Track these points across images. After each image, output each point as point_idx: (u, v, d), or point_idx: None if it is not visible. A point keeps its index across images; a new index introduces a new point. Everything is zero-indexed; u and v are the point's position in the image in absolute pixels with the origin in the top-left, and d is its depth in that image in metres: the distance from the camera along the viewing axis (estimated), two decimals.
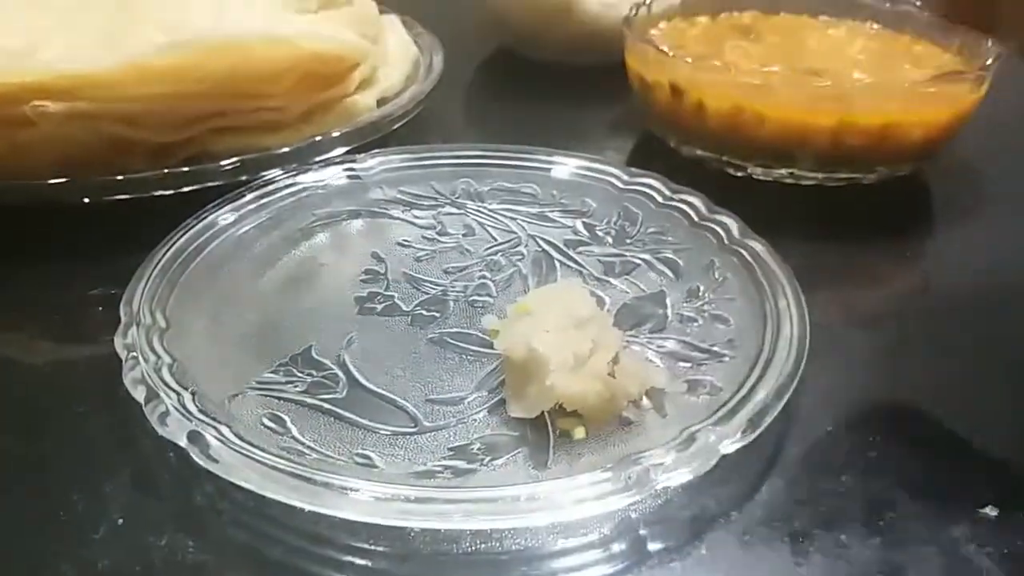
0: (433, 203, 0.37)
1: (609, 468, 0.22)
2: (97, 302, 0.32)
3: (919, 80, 0.36)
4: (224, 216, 0.34)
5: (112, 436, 0.26)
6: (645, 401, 0.26)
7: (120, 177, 0.34)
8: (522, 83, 0.55)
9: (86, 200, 0.34)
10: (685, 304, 0.31)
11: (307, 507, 0.22)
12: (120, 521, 0.23)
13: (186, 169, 0.35)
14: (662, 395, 0.26)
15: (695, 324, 0.30)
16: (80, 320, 0.32)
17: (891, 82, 0.36)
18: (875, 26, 0.48)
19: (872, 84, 0.36)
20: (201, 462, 0.22)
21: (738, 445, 0.23)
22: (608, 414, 0.25)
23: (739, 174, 0.41)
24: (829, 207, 0.39)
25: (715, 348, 0.28)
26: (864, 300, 0.34)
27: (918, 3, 0.47)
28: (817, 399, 0.28)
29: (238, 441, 0.23)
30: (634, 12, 0.45)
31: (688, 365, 0.28)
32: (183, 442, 0.23)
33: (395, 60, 0.47)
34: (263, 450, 0.22)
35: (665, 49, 0.40)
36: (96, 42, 0.37)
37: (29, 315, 0.32)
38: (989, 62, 0.38)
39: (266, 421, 0.25)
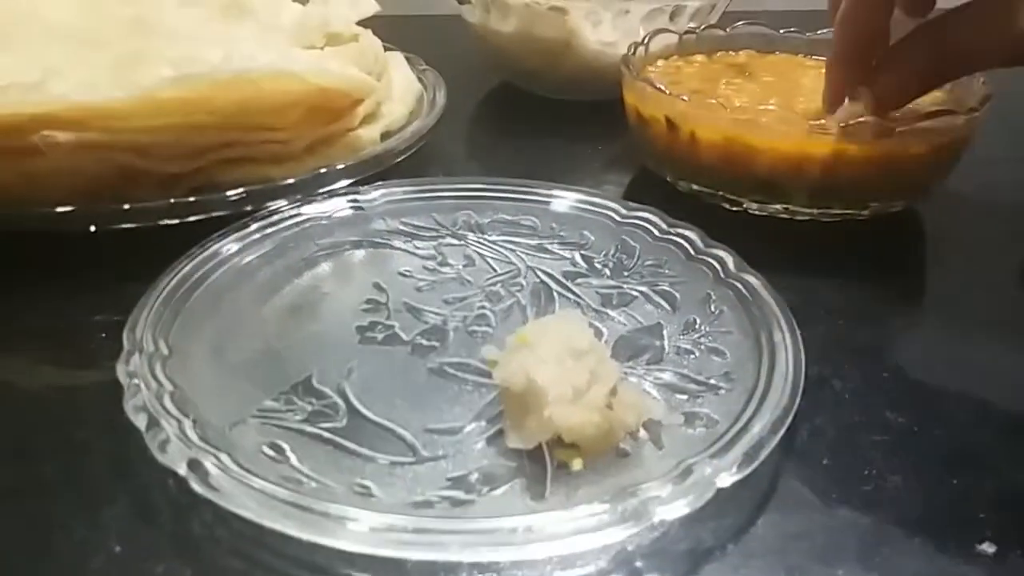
0: (434, 234, 0.38)
1: (606, 500, 0.22)
2: (100, 329, 0.32)
3: (911, 119, 0.37)
4: (228, 245, 0.34)
5: (111, 464, 0.26)
6: (642, 433, 0.26)
7: (126, 206, 0.35)
8: (522, 118, 0.56)
9: (92, 228, 0.35)
10: (682, 336, 0.31)
11: (304, 537, 0.22)
12: (118, 549, 0.23)
13: (192, 199, 0.36)
14: (659, 427, 0.27)
15: (692, 356, 0.30)
16: (82, 347, 0.32)
17: (883, 120, 0.37)
18: None
19: (864, 122, 0.37)
20: (200, 490, 0.23)
21: (734, 478, 0.24)
22: (606, 446, 0.25)
23: (734, 209, 0.41)
24: (824, 242, 0.40)
25: (711, 381, 0.29)
26: (859, 334, 0.34)
27: None
28: (812, 433, 0.28)
29: (237, 469, 0.23)
30: (632, 51, 0.46)
31: (685, 397, 0.28)
32: (183, 470, 0.23)
33: (399, 95, 0.48)
34: (262, 478, 0.23)
35: (661, 86, 0.41)
36: (107, 76, 0.37)
37: (32, 341, 0.33)
38: (979, 100, 0.39)
39: (266, 449, 0.25)
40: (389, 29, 0.51)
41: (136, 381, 0.26)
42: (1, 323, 0.33)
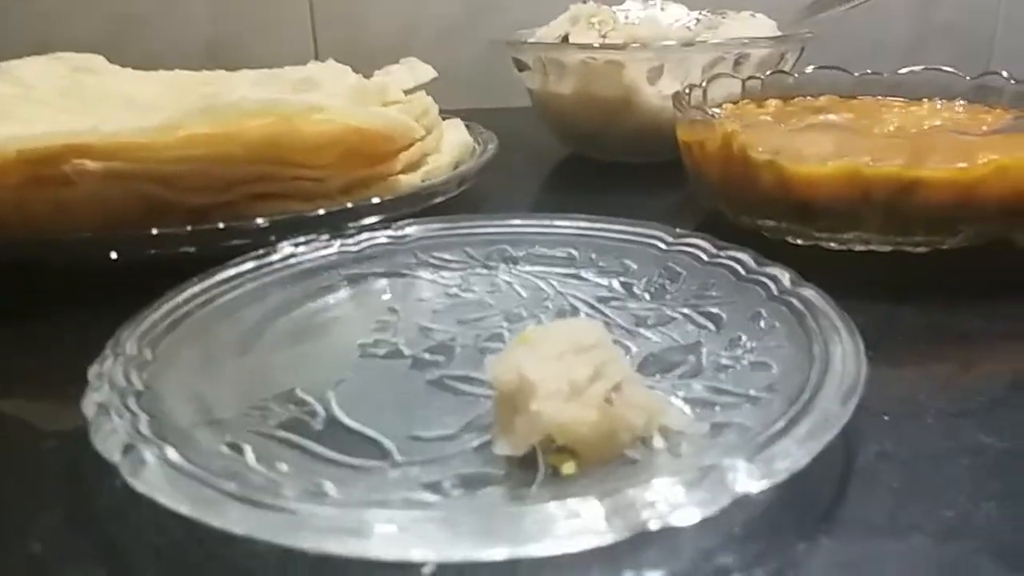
0: (463, 265, 0.35)
1: (594, 498, 0.18)
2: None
3: (999, 125, 0.32)
4: (244, 269, 0.33)
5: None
6: (658, 441, 0.22)
7: (154, 232, 0.34)
8: (580, 179, 0.54)
9: (114, 255, 0.34)
10: (723, 353, 0.27)
11: (217, 523, 0.18)
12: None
13: (214, 227, 0.35)
14: (680, 437, 0.22)
15: (731, 371, 0.26)
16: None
17: (967, 128, 0.32)
18: (962, 103, 0.44)
19: (943, 129, 0.32)
20: (129, 480, 0.20)
21: (762, 484, 0.19)
22: (607, 451, 0.21)
23: (802, 242, 0.37)
24: (907, 275, 0.35)
25: (751, 392, 0.24)
26: (943, 357, 0.29)
27: (1004, 73, 0.43)
28: (881, 455, 0.23)
29: (178, 460, 0.20)
30: (687, 91, 0.43)
31: (717, 409, 0.24)
32: (116, 457, 0.20)
33: (448, 148, 0.48)
34: (200, 468, 0.20)
35: (711, 112, 0.38)
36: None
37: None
38: None
39: (223, 448, 0.22)
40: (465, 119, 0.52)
41: (100, 381, 0.24)
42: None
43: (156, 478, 0.20)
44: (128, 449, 0.20)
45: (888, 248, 0.36)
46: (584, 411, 0.21)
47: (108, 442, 0.21)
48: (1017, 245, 0.36)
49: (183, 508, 0.19)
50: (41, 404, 0.30)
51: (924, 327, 0.31)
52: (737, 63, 0.51)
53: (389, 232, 0.37)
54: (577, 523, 0.18)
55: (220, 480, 0.19)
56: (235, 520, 0.18)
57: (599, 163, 0.56)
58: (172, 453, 0.21)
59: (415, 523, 0.18)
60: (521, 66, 0.56)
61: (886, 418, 0.25)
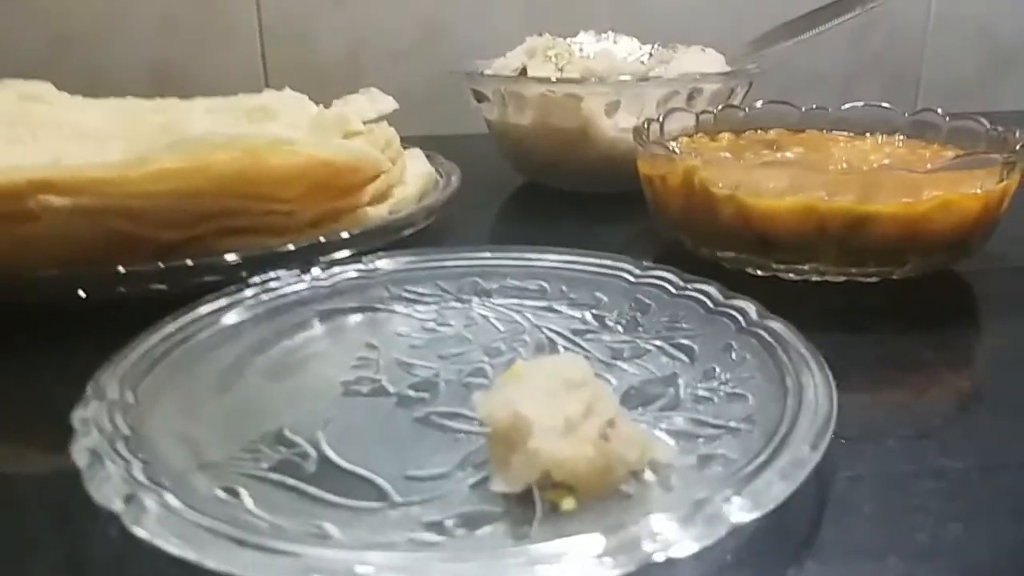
0: (437, 299, 0.36)
1: (599, 533, 0.19)
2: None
3: (941, 163, 0.35)
4: (218, 308, 0.33)
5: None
6: (649, 475, 0.23)
7: (122, 270, 0.34)
8: (539, 208, 0.55)
9: (82, 294, 0.34)
10: (700, 385, 0.28)
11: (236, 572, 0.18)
12: None
13: (183, 264, 0.35)
14: (668, 470, 0.23)
15: (710, 403, 0.27)
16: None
17: (912, 165, 0.34)
18: (902, 138, 0.47)
19: (892, 167, 0.34)
20: (132, 527, 0.20)
21: (752, 515, 0.20)
22: (603, 485, 0.22)
23: (760, 273, 0.39)
24: (860, 303, 0.37)
25: (731, 424, 0.25)
26: (904, 383, 0.31)
27: (939, 110, 0.46)
28: (853, 482, 0.24)
29: (179, 506, 0.20)
30: (645, 125, 0.44)
31: (700, 440, 0.25)
32: (117, 506, 0.20)
33: (412, 180, 0.48)
34: (202, 514, 0.20)
35: (673, 146, 0.39)
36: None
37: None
38: (1018, 148, 0.37)
39: (219, 493, 0.22)
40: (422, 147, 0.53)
41: (87, 427, 0.24)
42: None
43: (159, 525, 0.20)
44: (129, 497, 0.20)
45: (842, 278, 0.38)
46: (581, 447, 0.22)
47: (105, 490, 0.21)
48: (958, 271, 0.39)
49: (190, 555, 0.19)
50: (17, 447, 0.30)
51: (878, 355, 0.33)
52: (690, 97, 0.52)
53: (359, 266, 0.37)
54: (584, 559, 0.18)
55: (224, 525, 0.19)
56: (244, 565, 0.19)
57: (555, 192, 0.57)
58: (172, 499, 0.21)
59: (423, 563, 0.19)
60: (480, 97, 0.57)
61: (843, 441, 0.26)
